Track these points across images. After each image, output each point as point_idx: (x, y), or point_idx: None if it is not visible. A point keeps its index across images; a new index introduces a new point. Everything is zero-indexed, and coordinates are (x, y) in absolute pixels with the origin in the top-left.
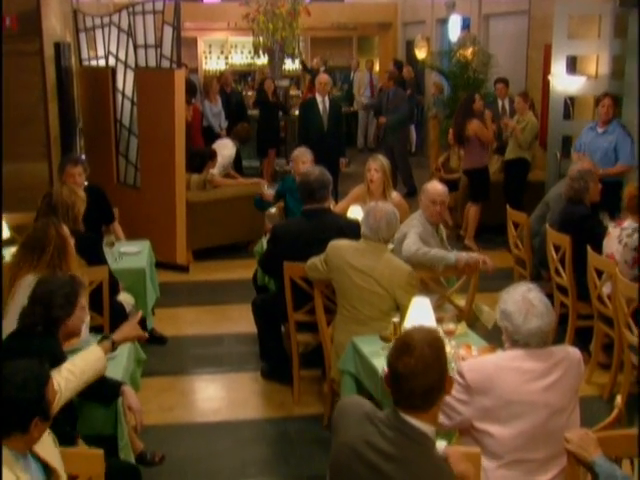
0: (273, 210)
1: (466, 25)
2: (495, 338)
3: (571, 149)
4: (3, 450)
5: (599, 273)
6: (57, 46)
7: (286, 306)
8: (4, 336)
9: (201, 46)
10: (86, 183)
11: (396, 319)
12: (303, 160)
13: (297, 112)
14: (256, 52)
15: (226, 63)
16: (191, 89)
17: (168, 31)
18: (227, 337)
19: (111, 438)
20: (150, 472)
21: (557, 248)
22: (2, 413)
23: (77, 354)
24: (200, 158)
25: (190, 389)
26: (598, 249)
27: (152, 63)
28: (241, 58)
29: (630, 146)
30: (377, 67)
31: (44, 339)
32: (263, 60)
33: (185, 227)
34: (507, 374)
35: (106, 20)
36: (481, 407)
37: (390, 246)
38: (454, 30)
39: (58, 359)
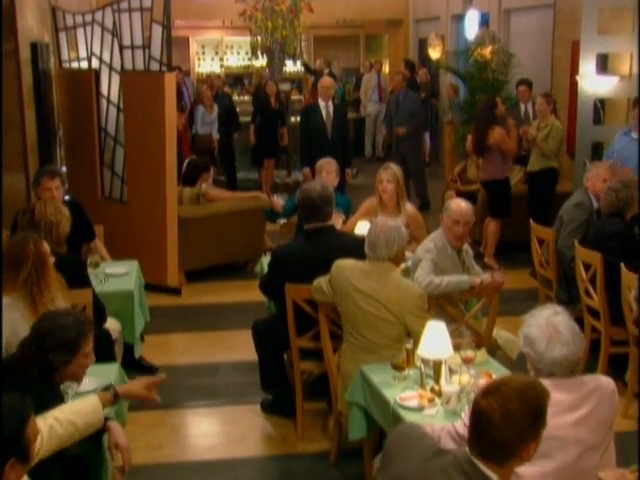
0: (282, 221)
1: (485, 21)
2: (519, 366)
3: (603, 157)
4: None
5: None
6: (34, 47)
7: (288, 331)
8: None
9: (194, 47)
10: (67, 197)
11: (409, 345)
12: (328, 170)
13: (298, 118)
14: (254, 53)
15: (221, 65)
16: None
17: (157, 30)
18: (223, 366)
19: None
20: None
21: (587, 267)
22: None
23: (71, 401)
24: (194, 170)
25: (182, 424)
26: (634, 266)
27: (140, 66)
28: (237, 60)
29: None
30: (387, 68)
31: (40, 384)
32: (262, 62)
33: (177, 246)
34: None
35: (88, 18)
36: None
37: (403, 265)
38: (471, 27)
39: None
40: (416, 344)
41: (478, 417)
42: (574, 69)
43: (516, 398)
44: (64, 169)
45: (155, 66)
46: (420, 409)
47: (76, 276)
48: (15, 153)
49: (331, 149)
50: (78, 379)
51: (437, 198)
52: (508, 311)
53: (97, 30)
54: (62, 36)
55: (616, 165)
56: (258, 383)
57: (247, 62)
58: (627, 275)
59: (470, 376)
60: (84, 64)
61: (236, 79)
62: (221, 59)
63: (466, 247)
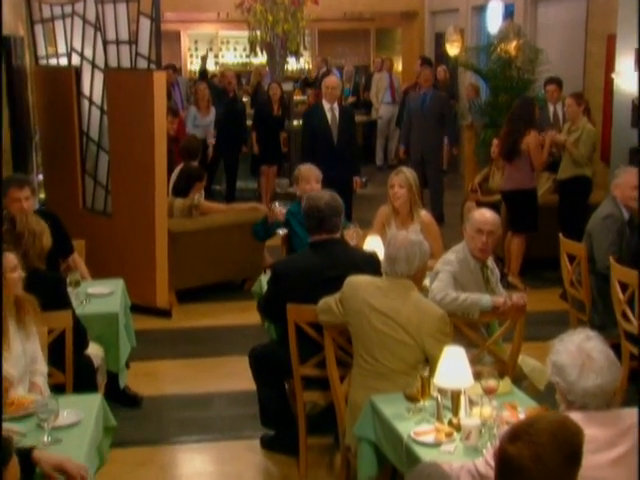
0: (283, 232)
1: (509, 13)
2: (547, 397)
3: None
4: None
5: None
6: (6, 41)
7: (290, 358)
8: None
9: (185, 42)
10: (37, 206)
11: (424, 373)
12: (308, 178)
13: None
14: (252, 49)
15: (216, 62)
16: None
17: (145, 24)
18: (218, 397)
19: None
20: None
21: (624, 287)
22: None
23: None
24: (187, 179)
25: (172, 462)
26: None
27: (125, 63)
28: (234, 56)
29: None
30: (399, 66)
31: None
32: (261, 59)
33: (167, 262)
34: None
35: (68, 9)
36: None
37: (425, 281)
38: (494, 20)
39: None
40: (433, 371)
41: (507, 466)
42: (609, 66)
43: (548, 442)
44: (41, 177)
45: (143, 63)
46: (437, 445)
47: (55, 296)
48: None
49: (337, 155)
50: None
51: (453, 210)
52: (535, 336)
53: (78, 23)
54: (38, 29)
55: None
56: (256, 416)
57: (245, 59)
58: None
59: (492, 408)
60: (63, 61)
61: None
62: (216, 56)
63: (491, 264)
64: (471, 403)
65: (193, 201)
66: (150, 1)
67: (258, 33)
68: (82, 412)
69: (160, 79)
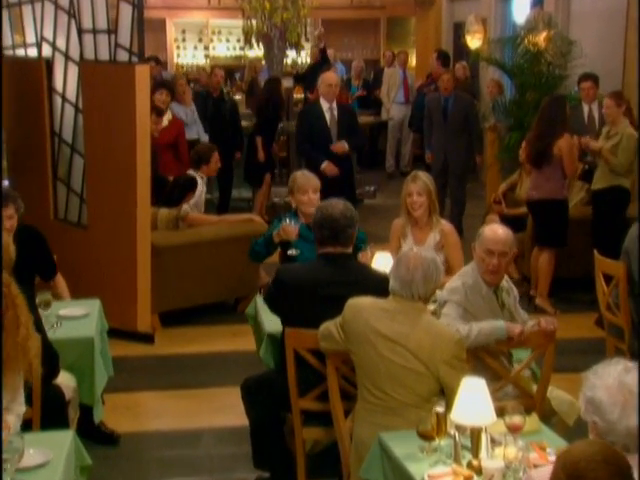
0: (295, 253)
1: (538, 0)
2: (578, 434)
3: None
4: None
5: None
6: None
7: (288, 389)
8: None
9: (172, 32)
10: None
11: (440, 408)
12: (304, 188)
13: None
14: (247, 41)
15: (206, 55)
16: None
17: (126, 10)
18: (206, 433)
19: None
20: None
21: None
22: None
23: None
24: (180, 188)
25: None
26: None
27: (104, 55)
28: (227, 49)
29: None
30: (413, 61)
31: None
32: (257, 52)
33: (149, 281)
34: None
35: None
36: None
37: (431, 307)
38: (521, 8)
39: None
40: (450, 405)
41: None
42: None
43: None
44: (6, 183)
45: (123, 55)
46: None
47: None
48: None
49: (337, 161)
50: None
51: (472, 224)
52: (566, 367)
53: (49, 9)
54: (4, 16)
55: None
56: (249, 456)
57: (238, 52)
58: None
59: (518, 449)
60: (32, 52)
61: (225, 74)
62: (206, 47)
63: (506, 285)
64: (493, 442)
65: (179, 212)
66: None
67: (254, 22)
68: (51, 451)
69: (143, 73)
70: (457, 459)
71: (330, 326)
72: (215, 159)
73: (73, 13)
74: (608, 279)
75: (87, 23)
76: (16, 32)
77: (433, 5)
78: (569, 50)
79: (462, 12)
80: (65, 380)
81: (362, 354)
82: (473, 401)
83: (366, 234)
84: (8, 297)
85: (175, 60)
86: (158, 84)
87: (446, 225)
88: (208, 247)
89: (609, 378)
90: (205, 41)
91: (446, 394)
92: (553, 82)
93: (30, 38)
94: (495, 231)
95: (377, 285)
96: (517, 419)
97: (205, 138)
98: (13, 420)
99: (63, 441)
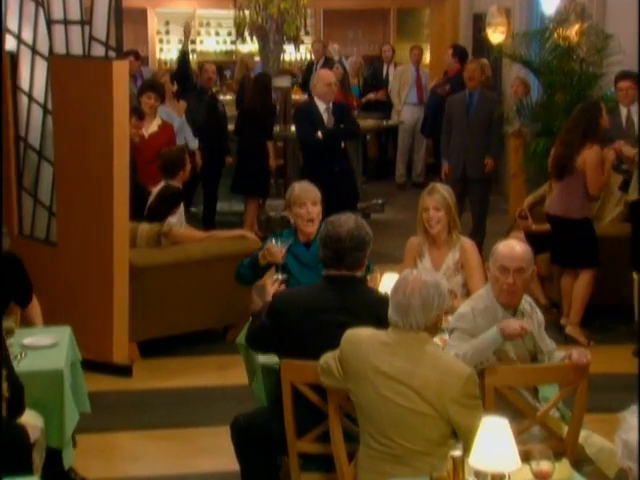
0: (281, 277)
1: None
2: None
3: None
4: None
5: None
6: None
7: (285, 429)
8: None
9: (154, 23)
10: None
11: (456, 452)
12: (302, 201)
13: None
14: (239, 34)
15: (193, 50)
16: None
17: None
18: (193, 479)
19: None
20: None
21: None
22: None
23: None
24: (166, 202)
25: None
26: None
27: (76, 49)
28: (216, 43)
29: None
30: (427, 57)
31: None
32: (250, 46)
33: (127, 305)
34: None
35: None
36: None
37: (445, 336)
38: None
39: None
40: (466, 449)
41: None
42: None
43: None
44: None
45: (99, 50)
46: None
47: None
48: None
49: (337, 171)
50: None
51: (494, 242)
52: (601, 405)
53: None
54: None
55: None
56: None
57: (229, 46)
58: None
59: None
60: None
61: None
62: (193, 41)
63: (528, 308)
64: None
65: (162, 227)
66: None
67: (247, 13)
68: None
69: (121, 70)
70: None
71: (330, 360)
72: (186, 161)
73: (41, 1)
74: None
75: (57, 13)
76: None
77: None
78: (605, 45)
79: (483, 2)
80: (30, 419)
81: (361, 395)
82: (494, 444)
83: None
84: None
85: (157, 55)
86: (146, 86)
87: (466, 242)
88: (194, 267)
89: None
90: (192, 34)
91: (459, 437)
92: (586, 82)
93: None
94: (510, 246)
95: (383, 310)
96: (545, 465)
97: (194, 144)
98: None
99: None
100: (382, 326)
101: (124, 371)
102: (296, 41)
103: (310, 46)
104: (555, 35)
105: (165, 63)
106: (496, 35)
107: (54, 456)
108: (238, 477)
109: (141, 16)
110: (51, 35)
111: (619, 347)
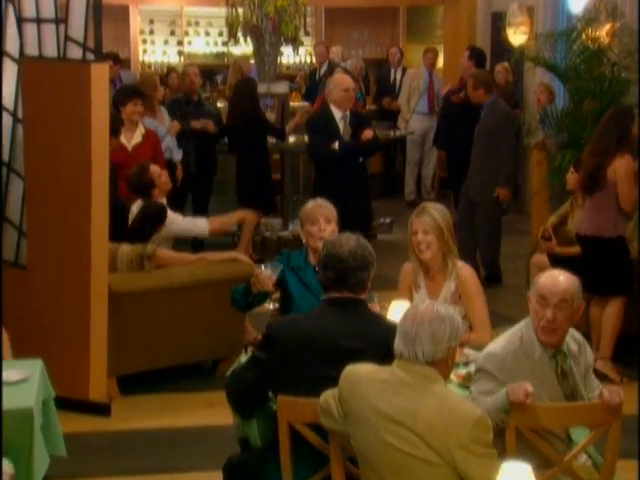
0: (271, 306)
1: None
2: None
3: None
4: None
5: None
6: None
7: (281, 474)
8: None
9: (136, 22)
10: None
11: None
12: (313, 217)
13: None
14: (232, 34)
15: (180, 52)
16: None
17: None
18: None
19: None
20: None
21: None
22: None
23: None
24: (149, 220)
25: None
26: None
27: (50, 51)
28: (206, 44)
29: None
30: (440, 60)
31: None
32: (244, 48)
33: (106, 336)
34: None
35: None
36: None
37: (463, 370)
38: None
39: None
40: None
41: None
42: None
43: None
44: None
45: (75, 51)
46: None
47: None
48: None
49: (352, 186)
50: None
51: (514, 266)
52: (636, 451)
53: None
54: None
55: None
56: None
57: (221, 48)
58: None
59: None
60: None
61: (203, 75)
62: (180, 42)
63: (574, 348)
64: None
65: (145, 248)
66: None
67: (240, 11)
68: None
69: (101, 74)
70: None
71: (329, 399)
72: (157, 174)
73: None
74: None
75: (29, 10)
76: None
77: None
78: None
79: (502, 0)
80: None
81: (361, 439)
82: None
83: None
84: None
85: (140, 57)
86: (131, 91)
87: (463, 269)
88: (181, 293)
89: None
90: (179, 34)
91: None
92: (618, 88)
93: None
94: (553, 276)
95: (391, 338)
96: None
97: (177, 156)
98: None
99: None
100: (388, 358)
101: (102, 410)
102: (295, 42)
103: (312, 49)
104: (583, 36)
105: (149, 66)
106: (517, 36)
107: None
108: None
109: (122, 14)
110: (22, 35)
111: None
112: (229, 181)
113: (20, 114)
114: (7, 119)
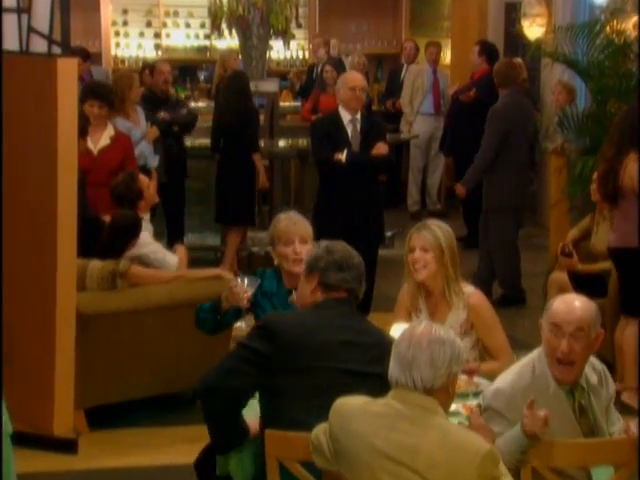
0: (243, 325)
1: None
2: None
3: None
4: None
5: None
6: None
7: None
8: None
9: (108, 12)
10: None
11: None
12: (288, 237)
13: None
14: (215, 26)
15: (157, 46)
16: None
17: None
18: None
19: None
20: None
21: None
22: None
23: None
24: (121, 234)
25: None
26: None
27: (12, 43)
28: (186, 37)
29: None
30: (447, 56)
31: None
32: (229, 42)
33: (73, 363)
34: None
35: None
36: None
37: (473, 401)
38: None
39: None
40: None
41: None
42: None
43: None
44: None
45: (40, 44)
46: None
47: None
48: None
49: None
50: None
51: (531, 286)
52: None
53: None
54: None
55: None
56: None
57: (203, 42)
58: None
59: None
60: None
61: (183, 71)
62: (157, 35)
63: (594, 379)
64: None
65: (118, 265)
66: None
67: (224, 0)
68: None
69: (68, 69)
70: None
71: (320, 435)
72: (145, 184)
73: None
74: None
75: None
76: None
77: None
78: None
79: None
80: None
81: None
82: None
83: None
84: None
85: (112, 52)
86: (87, 91)
87: (473, 295)
88: (158, 315)
89: None
90: (156, 25)
91: None
92: None
93: None
94: (568, 302)
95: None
96: None
97: (154, 162)
98: None
99: None
100: (383, 363)
101: (68, 446)
102: (285, 35)
103: (305, 42)
104: (607, 29)
105: (122, 61)
106: (534, 29)
107: None
108: None
109: (92, 3)
110: None
111: None
112: (211, 189)
113: None
114: None
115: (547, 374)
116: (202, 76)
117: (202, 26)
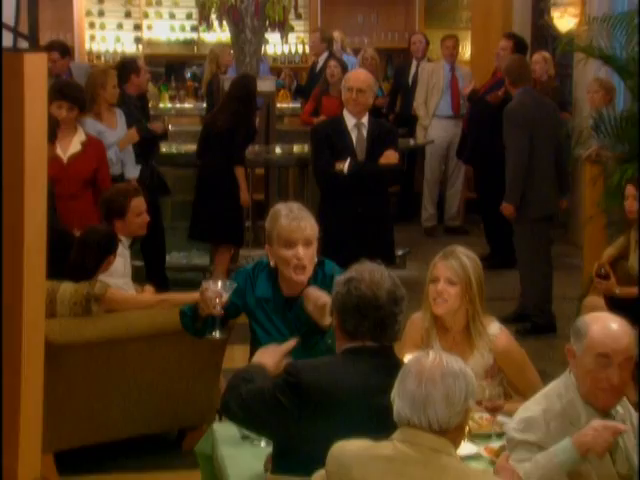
0: (218, 335)
1: None
2: None
3: None
4: None
5: None
6: None
7: None
8: None
9: (82, 1)
10: None
11: None
12: (291, 239)
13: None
14: (203, 17)
15: (137, 39)
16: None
17: None
18: None
19: None
20: None
21: None
22: None
23: None
24: (95, 250)
25: None
26: None
27: None
28: (170, 29)
29: None
30: (466, 51)
31: None
32: (219, 35)
33: (41, 400)
34: None
35: None
36: None
37: (496, 443)
38: None
39: None
40: None
41: None
42: None
43: None
44: None
45: (6, 38)
46: None
47: None
48: None
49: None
50: None
51: (561, 311)
52: None
53: None
54: None
55: None
56: None
57: (190, 34)
58: None
59: None
60: None
61: (168, 69)
62: (137, 27)
63: (619, 409)
64: None
65: (93, 287)
66: None
67: None
68: None
69: (37, 66)
70: None
71: None
72: (137, 209)
73: None
74: None
75: None
76: None
77: None
78: None
79: None
80: None
81: None
82: None
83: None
84: None
85: (87, 46)
86: (54, 91)
87: (500, 337)
88: (138, 345)
89: None
90: (136, 16)
91: None
92: None
93: None
94: (610, 328)
95: None
96: None
97: (134, 173)
98: None
99: None
100: None
101: None
102: (283, 28)
103: (305, 36)
104: None
105: (98, 57)
106: (565, 20)
107: None
108: None
109: None
110: None
111: None
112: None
113: None
114: None
115: (577, 402)
116: (189, 74)
117: (189, 17)
